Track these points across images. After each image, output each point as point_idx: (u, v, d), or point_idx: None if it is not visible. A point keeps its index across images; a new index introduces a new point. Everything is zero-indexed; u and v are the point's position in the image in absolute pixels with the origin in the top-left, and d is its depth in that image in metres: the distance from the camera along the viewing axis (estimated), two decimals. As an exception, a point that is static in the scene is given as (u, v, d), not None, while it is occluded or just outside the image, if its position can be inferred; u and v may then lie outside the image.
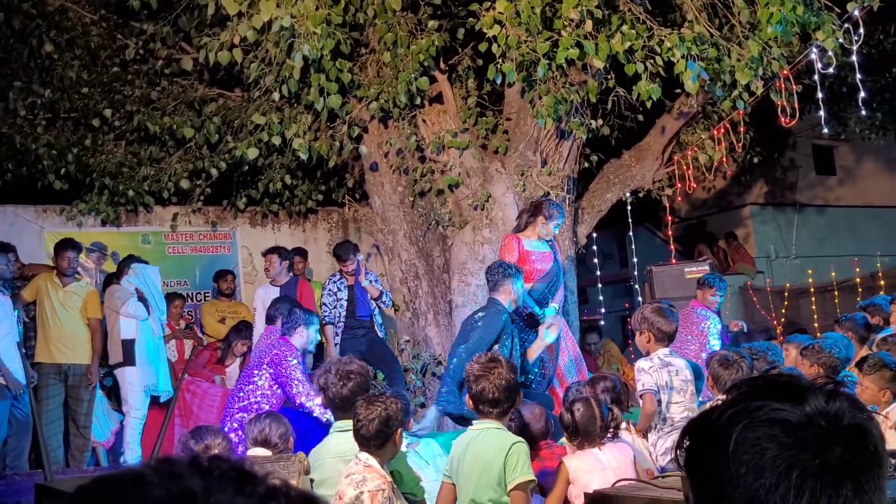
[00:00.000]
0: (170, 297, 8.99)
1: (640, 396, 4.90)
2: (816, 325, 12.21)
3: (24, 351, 7.32)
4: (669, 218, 10.56)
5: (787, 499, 1.02)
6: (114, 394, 8.22)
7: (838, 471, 1.03)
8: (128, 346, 7.66)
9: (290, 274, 8.97)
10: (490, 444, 3.98)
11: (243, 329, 8.72)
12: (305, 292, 8.73)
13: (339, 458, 4.12)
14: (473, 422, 4.18)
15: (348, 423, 3.98)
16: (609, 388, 4.78)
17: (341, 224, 10.94)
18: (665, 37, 7.11)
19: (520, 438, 4.10)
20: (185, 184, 9.71)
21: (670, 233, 10.61)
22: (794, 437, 1.05)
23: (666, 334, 5.03)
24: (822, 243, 15.64)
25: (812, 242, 15.71)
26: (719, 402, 1.20)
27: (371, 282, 8.68)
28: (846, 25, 7.44)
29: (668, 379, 4.89)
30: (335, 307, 8.62)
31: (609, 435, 4.32)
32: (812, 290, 13.13)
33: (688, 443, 1.15)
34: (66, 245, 7.80)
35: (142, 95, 9.31)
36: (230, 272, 9.72)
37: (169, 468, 0.83)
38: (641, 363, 4.96)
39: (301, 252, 9.76)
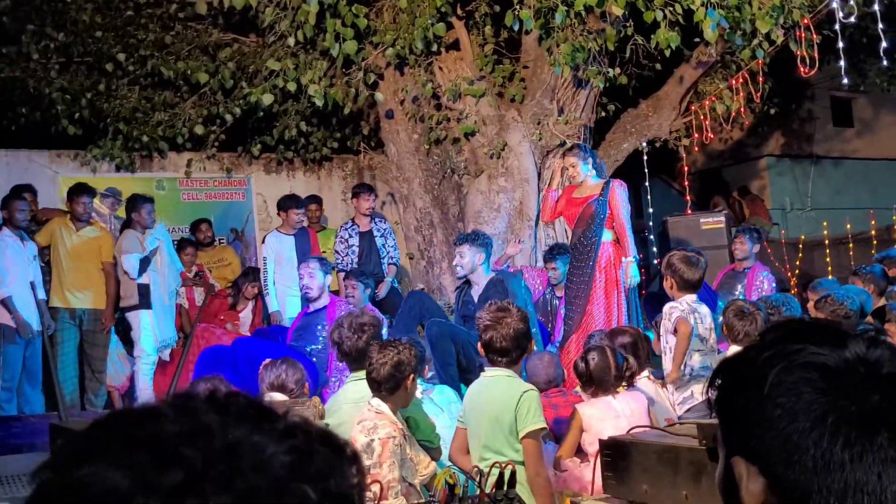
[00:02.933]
0: (181, 245, 9.01)
1: (675, 322, 4.91)
2: (830, 277, 12.15)
3: (44, 297, 7.35)
4: (686, 168, 10.48)
5: (820, 444, 1.01)
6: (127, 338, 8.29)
7: (875, 419, 1.01)
8: (143, 289, 7.69)
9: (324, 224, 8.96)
10: (500, 392, 3.99)
11: (250, 273, 8.83)
12: (316, 241, 8.74)
13: (354, 403, 4.16)
14: (486, 369, 4.20)
15: (362, 373, 4.02)
16: (627, 344, 4.78)
17: (356, 172, 10.91)
18: (685, -17, 7.00)
19: (530, 386, 4.11)
20: (199, 129, 9.67)
21: (686, 183, 10.54)
22: (831, 382, 1.03)
23: (688, 282, 5.03)
24: (838, 195, 15.52)
25: (828, 194, 15.60)
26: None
27: (384, 234, 8.67)
28: (870, -27, 7.32)
29: (694, 326, 4.90)
30: (346, 254, 8.62)
31: (624, 383, 4.35)
32: (827, 242, 13.06)
33: (720, 382, 1.14)
34: (80, 190, 7.79)
35: (156, 40, 9.23)
36: (205, 221, 9.60)
37: (185, 403, 0.83)
38: (672, 304, 4.98)
39: (316, 199, 9.75)
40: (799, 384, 1.04)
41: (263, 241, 8.80)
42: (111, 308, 7.71)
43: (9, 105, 9.50)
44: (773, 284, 7.90)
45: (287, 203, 8.64)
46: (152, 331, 7.62)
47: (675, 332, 4.92)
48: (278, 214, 8.84)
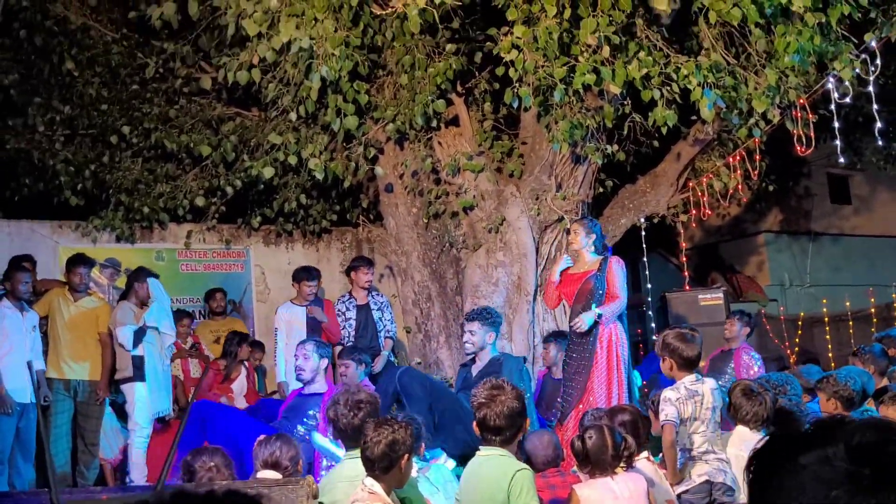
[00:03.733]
0: (177, 315, 8.98)
1: (662, 426, 4.84)
2: (830, 354, 12.12)
3: (42, 368, 7.28)
4: (684, 244, 10.51)
5: None
6: (121, 410, 8.20)
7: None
8: (137, 361, 7.64)
9: (320, 295, 8.94)
10: (493, 471, 3.94)
11: (235, 337, 8.77)
12: (331, 312, 8.70)
13: (349, 482, 4.09)
14: (480, 447, 4.16)
15: (358, 452, 3.96)
16: (627, 422, 4.72)
17: (355, 244, 10.95)
18: (682, 64, 7.11)
19: (524, 465, 4.06)
20: (200, 201, 9.74)
21: (684, 259, 10.57)
22: (835, 471, 1.17)
23: (688, 360, 4.95)
24: (837, 272, 15.54)
25: (827, 271, 15.62)
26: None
27: (381, 307, 8.66)
28: (863, 56, 7.44)
29: (693, 410, 4.82)
30: (343, 328, 8.60)
31: (623, 464, 4.28)
32: (826, 319, 13.04)
33: (753, 467, 1.29)
34: (77, 261, 7.78)
35: (160, 113, 9.36)
36: (220, 290, 9.67)
37: (183, 502, 0.82)
38: (668, 393, 4.87)
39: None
40: (808, 478, 1.18)
41: (276, 312, 8.86)
42: (106, 379, 7.64)
43: (13, 176, 9.59)
44: (761, 363, 8.02)
45: (300, 275, 8.72)
46: (147, 403, 7.55)
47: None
48: (292, 286, 8.89)
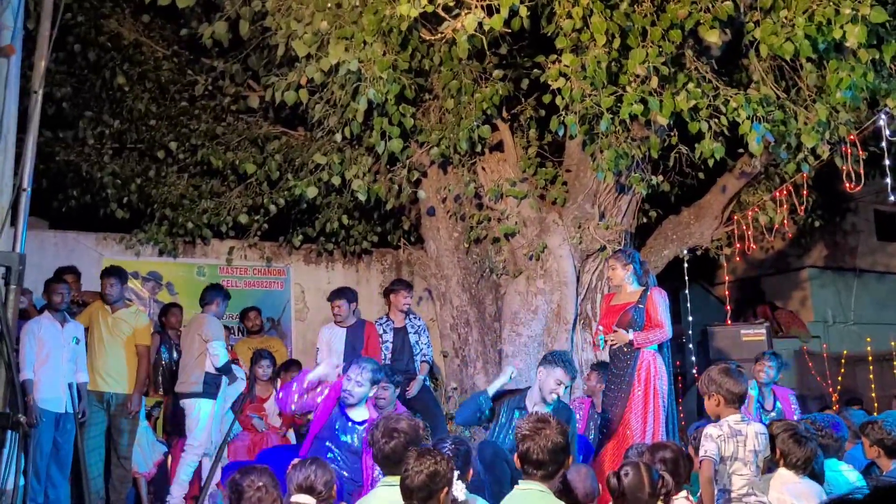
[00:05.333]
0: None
1: (699, 462, 4.76)
2: (874, 394, 11.87)
3: (86, 381, 7.29)
4: (727, 277, 10.38)
5: None
6: (160, 424, 8.19)
7: None
8: (210, 378, 7.59)
9: (357, 316, 8.83)
10: (531, 508, 3.87)
11: (254, 356, 8.67)
12: (372, 335, 8.61)
13: (383, 509, 4.05)
14: (519, 481, 4.09)
15: (395, 479, 3.92)
16: (668, 459, 4.64)
17: (395, 266, 10.97)
18: (731, 97, 7.05)
19: (562, 504, 3.99)
20: (243, 218, 9.82)
21: (727, 293, 10.42)
22: None
23: (736, 396, 4.86)
24: (882, 310, 15.22)
25: (871, 309, 15.30)
26: None
27: (418, 331, 8.60)
28: (917, 93, 7.31)
29: (735, 449, 4.72)
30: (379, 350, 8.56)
31: (660, 502, 4.19)
32: (870, 358, 12.78)
33: None
34: (109, 272, 7.69)
35: (207, 130, 9.49)
36: (255, 309, 9.61)
37: None
38: (711, 430, 4.79)
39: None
40: None
41: (320, 332, 8.83)
42: (139, 393, 7.56)
43: (61, 187, 9.75)
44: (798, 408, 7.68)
45: (331, 296, 8.67)
46: (209, 423, 7.51)
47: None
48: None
